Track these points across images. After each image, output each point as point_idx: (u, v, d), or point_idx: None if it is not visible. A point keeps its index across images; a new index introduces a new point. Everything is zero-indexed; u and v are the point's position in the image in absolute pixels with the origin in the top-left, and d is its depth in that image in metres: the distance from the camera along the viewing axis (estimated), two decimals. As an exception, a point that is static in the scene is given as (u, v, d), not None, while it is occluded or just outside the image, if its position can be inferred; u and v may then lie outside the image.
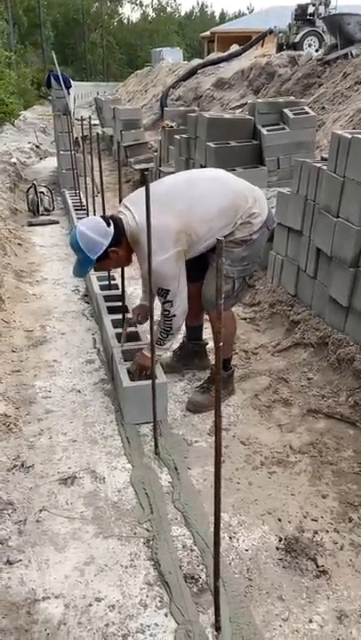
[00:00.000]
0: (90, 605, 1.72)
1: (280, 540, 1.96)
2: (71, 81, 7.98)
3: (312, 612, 1.70)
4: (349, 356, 2.80)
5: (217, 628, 1.63)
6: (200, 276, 2.66)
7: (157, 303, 2.52)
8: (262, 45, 15.28)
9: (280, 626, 1.66)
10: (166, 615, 1.69)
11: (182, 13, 59.56)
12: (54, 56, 8.38)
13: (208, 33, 32.06)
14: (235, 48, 14.51)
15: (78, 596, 1.75)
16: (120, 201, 2.80)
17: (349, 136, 2.89)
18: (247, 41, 15.06)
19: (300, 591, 1.77)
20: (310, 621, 1.67)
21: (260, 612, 1.70)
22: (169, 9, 53.25)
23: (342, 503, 2.13)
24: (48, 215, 6.62)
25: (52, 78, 7.50)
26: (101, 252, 2.44)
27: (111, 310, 3.34)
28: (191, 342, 3.10)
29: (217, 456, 1.43)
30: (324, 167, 3.20)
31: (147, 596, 1.75)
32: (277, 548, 1.93)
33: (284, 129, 5.22)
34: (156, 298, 2.50)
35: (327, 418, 2.60)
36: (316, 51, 11.51)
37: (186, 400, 2.81)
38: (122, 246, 2.48)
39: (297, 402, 2.74)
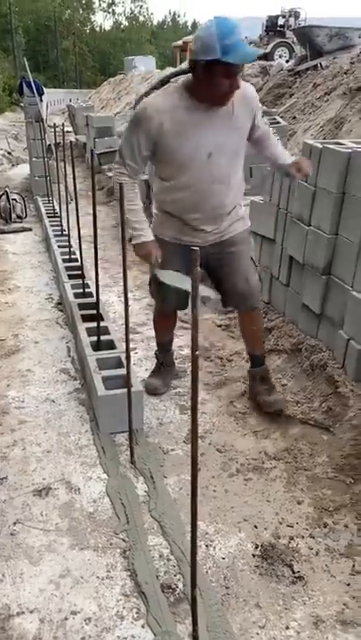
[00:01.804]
0: (65, 619, 1.70)
1: (256, 547, 1.97)
2: (43, 88, 7.95)
3: (289, 619, 1.71)
4: (322, 362, 2.83)
5: (194, 637, 1.62)
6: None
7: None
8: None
9: (257, 633, 1.66)
10: (143, 626, 1.67)
11: (155, 22, 59.90)
12: (26, 63, 8.34)
13: (180, 42, 32.23)
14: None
15: (54, 609, 1.73)
16: (94, 208, 2.80)
17: (320, 146, 2.95)
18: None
19: (277, 598, 1.78)
20: (287, 628, 1.68)
21: (238, 621, 1.70)
22: (141, 18, 53.51)
23: (317, 509, 2.15)
24: (21, 223, 6.56)
25: (23, 85, 7.45)
26: None
27: (86, 318, 3.32)
28: (168, 353, 3.06)
29: (193, 466, 1.43)
30: (296, 176, 3.25)
31: (123, 608, 1.74)
32: (254, 555, 1.94)
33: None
34: None
35: (302, 424, 2.63)
36: (287, 61, 11.69)
37: (163, 408, 2.80)
38: None
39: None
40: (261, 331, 2.92)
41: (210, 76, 2.12)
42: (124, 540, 1.99)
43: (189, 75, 2.26)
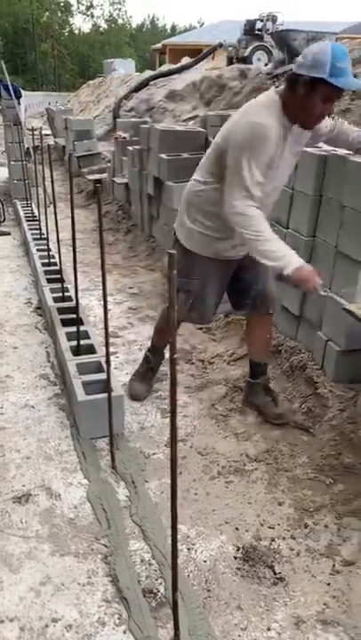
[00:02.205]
0: (46, 627, 1.68)
1: (238, 550, 1.97)
2: (21, 91, 7.89)
3: (270, 620, 1.72)
4: (302, 364, 2.86)
5: (176, 641, 1.62)
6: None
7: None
8: (213, 58, 15.54)
9: (239, 636, 1.66)
10: (125, 632, 1.67)
11: (134, 25, 59.96)
12: (4, 66, 8.27)
13: (160, 45, 32.38)
14: (186, 60, 14.68)
15: (34, 617, 1.71)
16: (72, 212, 2.78)
17: (297, 149, 2.97)
18: (198, 54, 15.28)
19: (258, 599, 1.79)
20: (268, 629, 1.69)
21: (220, 623, 1.70)
22: (120, 21, 53.51)
23: (298, 509, 2.16)
24: (-1, 226, 6.49)
25: (1, 88, 7.39)
26: None
27: (65, 323, 3.30)
28: (160, 360, 2.98)
29: (173, 468, 1.43)
30: (274, 179, 3.27)
31: (105, 614, 1.73)
32: (235, 558, 1.94)
33: (235, 141, 5.30)
34: None
35: (282, 425, 2.64)
36: (266, 65, 11.78)
37: (144, 412, 2.80)
38: None
39: (253, 410, 2.77)
40: (272, 339, 2.85)
41: (310, 93, 2.05)
42: (105, 546, 1.98)
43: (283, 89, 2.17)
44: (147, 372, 2.97)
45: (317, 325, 2.84)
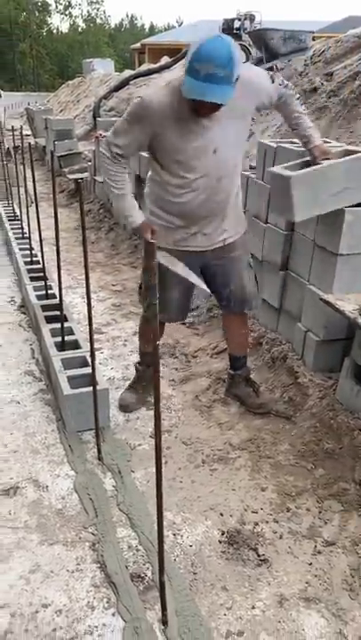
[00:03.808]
0: (36, 612, 1.72)
1: (223, 534, 2.03)
2: (0, 91, 7.85)
3: (254, 599, 1.78)
4: (282, 355, 2.93)
5: (164, 622, 1.67)
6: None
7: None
8: (192, 58, 15.55)
9: (225, 614, 1.72)
10: (114, 615, 1.71)
11: (112, 25, 59.79)
12: (-18, 65, 8.24)
13: (139, 45, 32.35)
14: (165, 60, 14.71)
15: (24, 604, 1.75)
16: (55, 211, 2.81)
17: (275, 145, 3.04)
18: (177, 53, 15.32)
19: (243, 580, 1.84)
20: (253, 608, 1.74)
21: (206, 604, 1.76)
22: (98, 20, 53.37)
23: (280, 494, 2.22)
24: (-19, 227, 6.47)
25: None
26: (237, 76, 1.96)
27: (49, 320, 3.32)
28: (148, 368, 2.82)
29: (157, 455, 1.48)
30: (253, 175, 3.34)
31: (94, 598, 1.77)
32: (220, 542, 2.00)
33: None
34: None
35: (263, 414, 2.71)
36: (244, 63, 11.85)
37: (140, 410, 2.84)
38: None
39: (235, 401, 2.83)
40: (249, 334, 2.88)
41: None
42: (93, 534, 2.02)
43: None
44: (135, 381, 2.89)
45: (297, 317, 2.91)
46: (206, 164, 2.22)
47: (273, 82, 2.29)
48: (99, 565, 1.89)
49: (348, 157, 2.30)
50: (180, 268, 2.33)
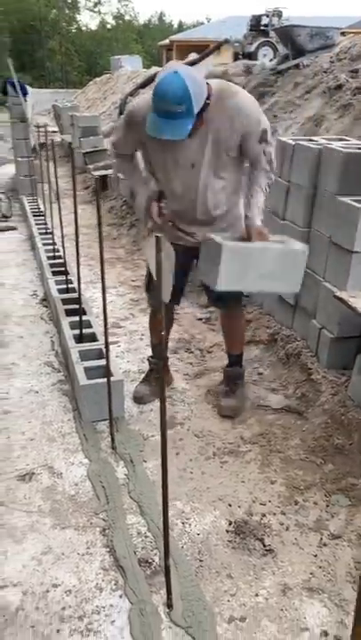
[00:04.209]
0: (47, 591, 1.79)
1: (230, 524, 2.07)
2: (28, 88, 8.00)
3: (258, 587, 1.82)
4: (297, 351, 2.95)
5: (169, 605, 1.73)
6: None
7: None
8: (219, 54, 15.57)
9: (228, 600, 1.77)
10: (121, 597, 1.77)
11: (141, 22, 59.86)
12: (10, 63, 8.39)
13: (167, 41, 32.35)
14: (193, 57, 14.71)
15: (36, 583, 1.82)
16: (75, 207, 2.87)
17: (293, 142, 3.06)
18: (205, 50, 15.32)
19: (248, 569, 1.89)
20: (256, 595, 1.79)
21: (210, 590, 1.80)
22: (127, 17, 53.49)
23: (289, 488, 2.25)
24: (6, 222, 6.61)
25: (7, 85, 7.51)
26: (201, 105, 2.04)
27: (69, 313, 3.40)
28: (160, 359, 2.88)
29: (162, 428, 1.53)
30: (271, 172, 3.36)
31: (102, 581, 1.83)
32: (227, 531, 2.04)
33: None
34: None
35: (276, 410, 2.74)
36: (271, 60, 11.82)
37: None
38: (209, 103, 2.10)
39: (249, 395, 2.86)
40: (241, 333, 2.88)
41: None
42: (103, 520, 2.09)
43: None
44: (149, 374, 2.94)
45: (312, 314, 2.92)
46: (184, 177, 2.29)
47: (263, 141, 2.26)
48: (108, 550, 1.95)
49: (281, 246, 2.27)
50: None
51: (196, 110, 2.01)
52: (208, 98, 2.12)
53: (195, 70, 2.10)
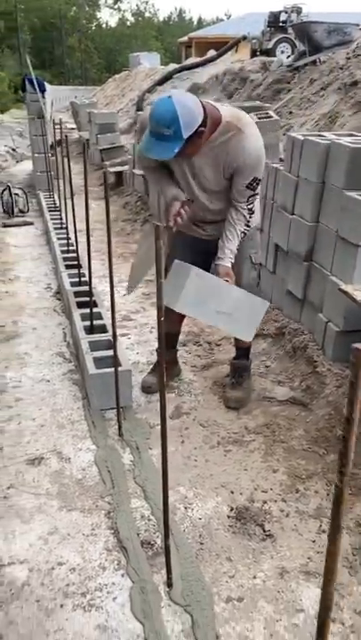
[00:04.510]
0: (52, 569, 1.86)
1: (231, 510, 2.12)
2: (46, 85, 8.10)
3: (257, 570, 1.86)
4: (303, 344, 2.98)
5: (168, 584, 1.78)
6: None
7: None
8: (236, 51, 15.56)
9: (227, 582, 1.82)
10: (123, 575, 1.84)
11: (160, 19, 59.93)
12: (29, 60, 8.51)
13: (186, 38, 32.36)
14: (211, 53, 14.73)
15: (42, 561, 1.89)
16: (86, 203, 2.94)
17: (302, 137, 3.09)
18: (223, 46, 15.31)
19: (247, 552, 1.94)
20: (254, 577, 1.84)
21: (210, 571, 1.86)
22: (147, 14, 53.60)
23: (291, 476, 2.30)
24: (23, 217, 6.73)
25: (26, 82, 7.62)
26: (194, 129, 2.13)
27: (81, 305, 3.48)
28: (172, 350, 2.99)
29: (162, 413, 1.58)
30: (281, 168, 3.39)
31: (106, 560, 1.90)
32: (229, 517, 2.09)
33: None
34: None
35: (280, 402, 2.78)
36: (288, 57, 11.78)
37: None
38: (204, 130, 2.20)
39: (255, 388, 2.91)
40: None
41: None
42: (108, 503, 2.15)
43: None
44: (157, 364, 3.01)
45: (319, 308, 2.95)
46: (194, 186, 2.44)
47: (250, 188, 2.36)
48: (112, 532, 2.02)
49: (245, 291, 2.35)
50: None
51: (185, 134, 2.10)
52: (218, 122, 2.24)
53: (191, 97, 2.18)
